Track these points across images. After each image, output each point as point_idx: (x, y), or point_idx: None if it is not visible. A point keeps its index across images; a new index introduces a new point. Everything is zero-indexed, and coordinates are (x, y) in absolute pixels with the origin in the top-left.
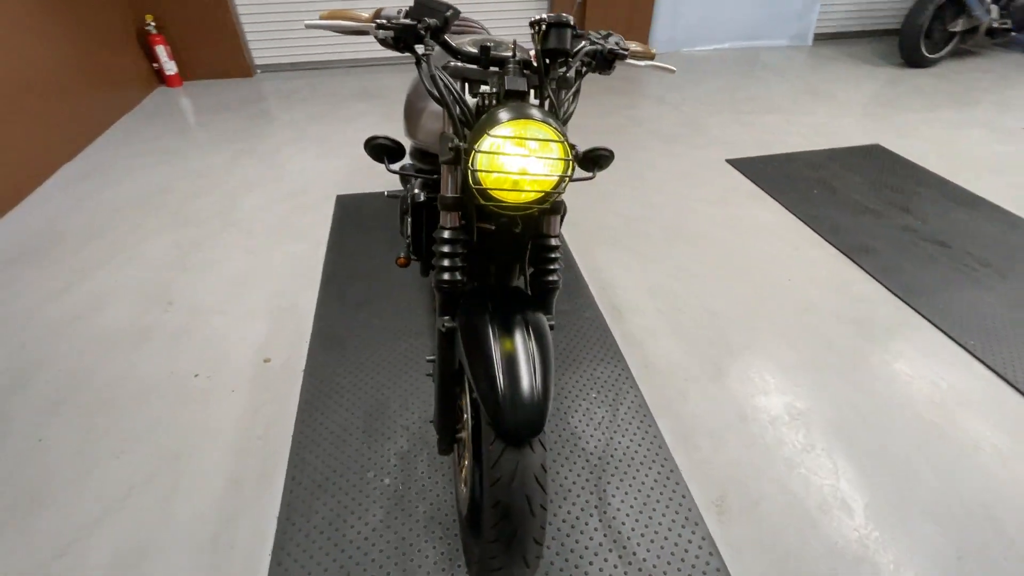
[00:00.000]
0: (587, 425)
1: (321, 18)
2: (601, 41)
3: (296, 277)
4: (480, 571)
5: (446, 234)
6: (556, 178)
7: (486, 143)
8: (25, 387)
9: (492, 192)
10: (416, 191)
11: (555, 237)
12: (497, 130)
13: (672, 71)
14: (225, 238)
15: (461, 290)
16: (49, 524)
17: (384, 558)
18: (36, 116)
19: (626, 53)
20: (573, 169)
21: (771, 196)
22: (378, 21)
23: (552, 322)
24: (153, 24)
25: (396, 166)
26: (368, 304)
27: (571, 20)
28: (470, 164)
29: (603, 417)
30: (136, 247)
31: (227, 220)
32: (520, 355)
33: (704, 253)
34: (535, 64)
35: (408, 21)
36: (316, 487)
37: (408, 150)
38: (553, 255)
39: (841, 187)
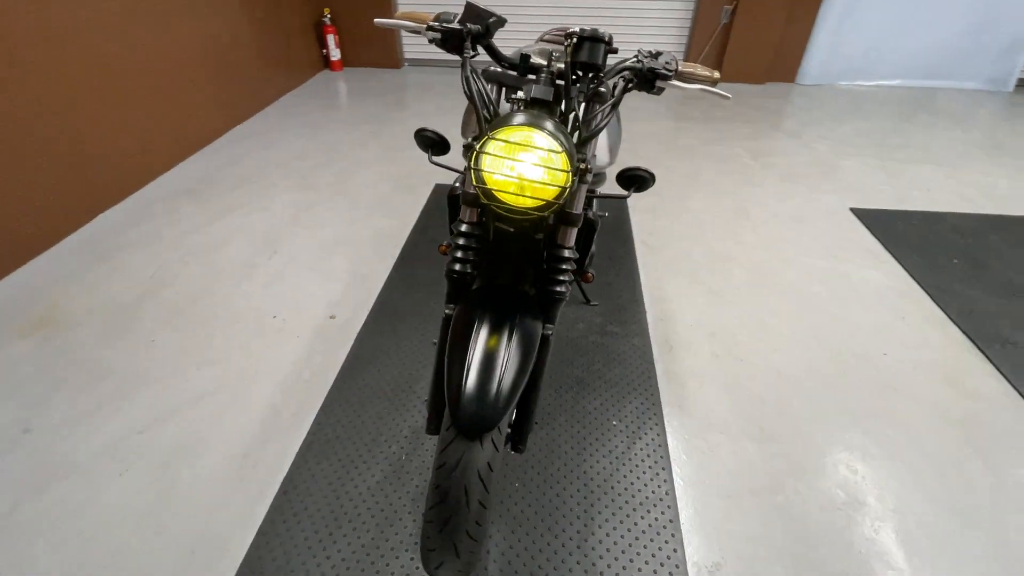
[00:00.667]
0: (597, 449)
1: (393, 17)
2: (646, 59)
3: (379, 248)
4: (421, 551)
5: (462, 227)
6: (558, 188)
7: (489, 144)
8: (155, 297)
9: (496, 192)
10: (456, 184)
11: (569, 249)
12: (500, 133)
13: (727, 98)
14: (333, 205)
15: (468, 282)
16: (139, 408)
17: (371, 519)
18: (222, 84)
19: (669, 74)
20: (575, 183)
21: (892, 256)
22: (430, 23)
23: (550, 331)
24: (328, 16)
25: (439, 158)
26: (428, 287)
27: (606, 36)
28: (473, 163)
29: (617, 446)
30: (266, 200)
31: (339, 190)
32: (498, 354)
33: (787, 305)
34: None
35: (455, 26)
36: (334, 437)
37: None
38: (563, 266)
39: (994, 263)
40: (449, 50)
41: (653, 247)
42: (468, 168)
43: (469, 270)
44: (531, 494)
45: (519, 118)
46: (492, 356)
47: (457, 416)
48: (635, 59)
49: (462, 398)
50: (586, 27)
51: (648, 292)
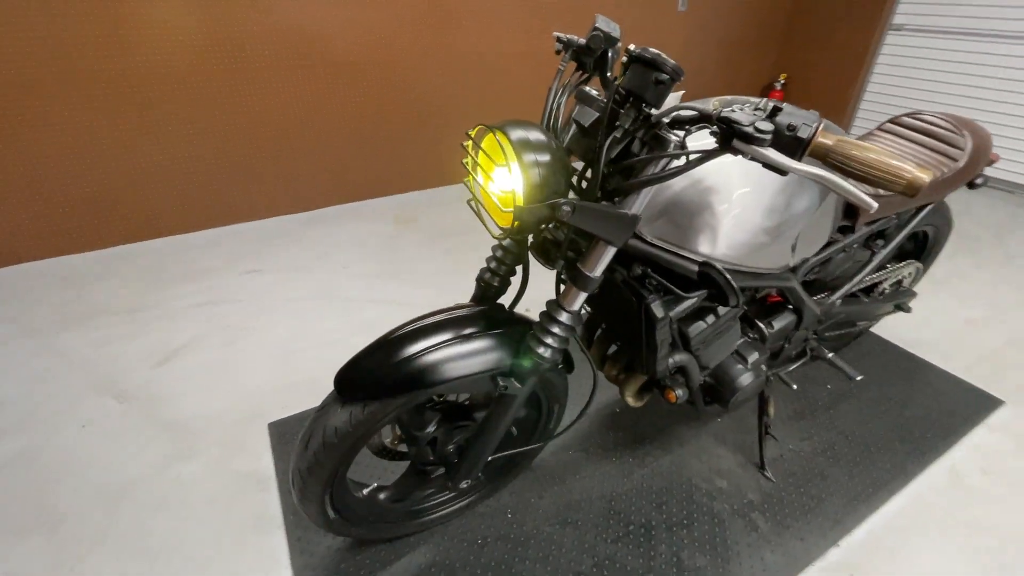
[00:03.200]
0: (684, 511)
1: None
2: (737, 110)
3: None
4: None
5: (497, 240)
6: (510, 212)
7: (467, 139)
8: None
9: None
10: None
11: (568, 312)
12: (476, 130)
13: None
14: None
15: (487, 291)
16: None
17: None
18: None
19: (763, 137)
20: (524, 204)
21: None
22: (557, 33)
23: (505, 386)
24: (783, 81)
25: None
26: None
27: (666, 63)
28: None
29: (709, 532)
30: None
31: None
32: (424, 343)
33: None
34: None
35: (579, 40)
36: None
37: None
38: (552, 328)
39: None
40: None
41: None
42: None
43: (489, 279)
44: None
45: (503, 123)
46: (413, 339)
47: (342, 369)
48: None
49: (361, 354)
50: (651, 49)
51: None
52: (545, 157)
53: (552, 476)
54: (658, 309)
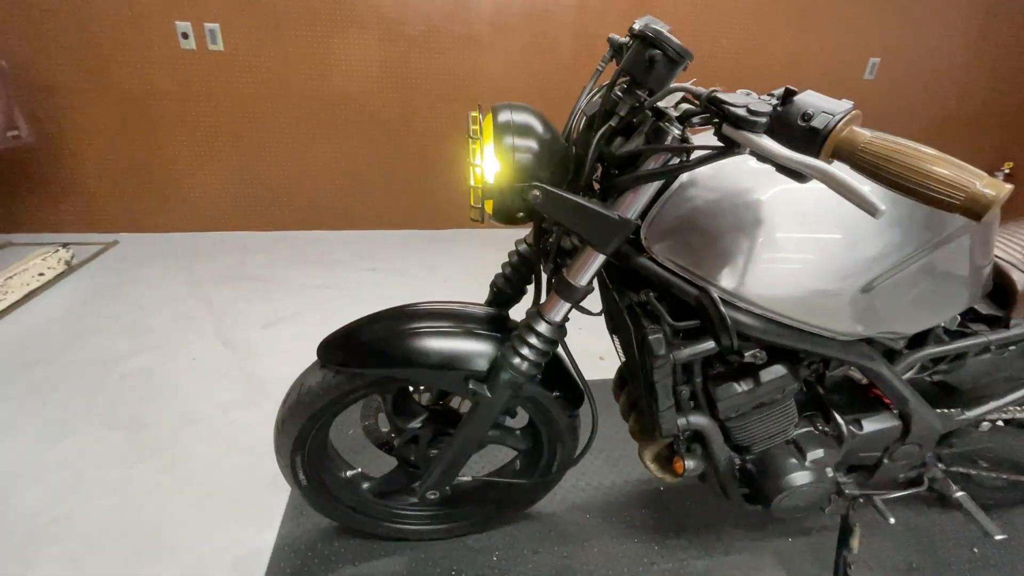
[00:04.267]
0: None
1: None
2: (744, 98)
3: None
4: None
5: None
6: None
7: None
8: None
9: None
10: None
11: (546, 323)
12: (476, 110)
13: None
14: None
15: (498, 297)
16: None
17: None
18: None
19: (756, 119)
20: (490, 184)
21: None
22: (612, 35)
23: (478, 389)
24: (1007, 171)
25: None
26: None
27: (668, 40)
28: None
29: None
30: None
31: None
32: (414, 325)
33: None
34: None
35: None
36: None
37: None
38: (526, 337)
39: None
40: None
41: None
42: None
43: (501, 283)
44: None
45: (500, 104)
46: (398, 319)
47: (328, 336)
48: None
49: (347, 325)
50: (656, 25)
51: None
52: (528, 142)
53: (557, 534)
54: (659, 345)
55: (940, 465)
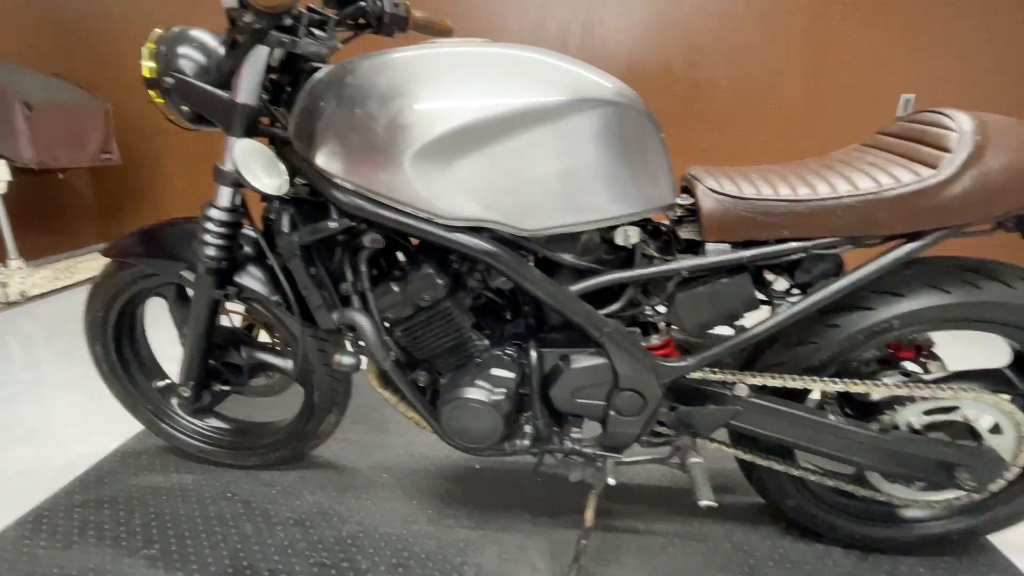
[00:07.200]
0: None
1: None
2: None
3: None
4: None
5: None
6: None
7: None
8: None
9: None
10: None
11: (217, 208)
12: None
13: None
14: None
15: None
16: None
17: None
18: None
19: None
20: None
21: None
22: None
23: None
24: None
25: None
26: None
27: None
28: None
29: None
30: None
31: None
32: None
33: None
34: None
35: None
36: None
37: None
38: (207, 226)
39: None
40: None
41: None
42: None
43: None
44: None
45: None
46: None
47: None
48: None
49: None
50: None
51: None
52: (181, 48)
53: (344, 483)
54: (281, 223)
55: (690, 430)
